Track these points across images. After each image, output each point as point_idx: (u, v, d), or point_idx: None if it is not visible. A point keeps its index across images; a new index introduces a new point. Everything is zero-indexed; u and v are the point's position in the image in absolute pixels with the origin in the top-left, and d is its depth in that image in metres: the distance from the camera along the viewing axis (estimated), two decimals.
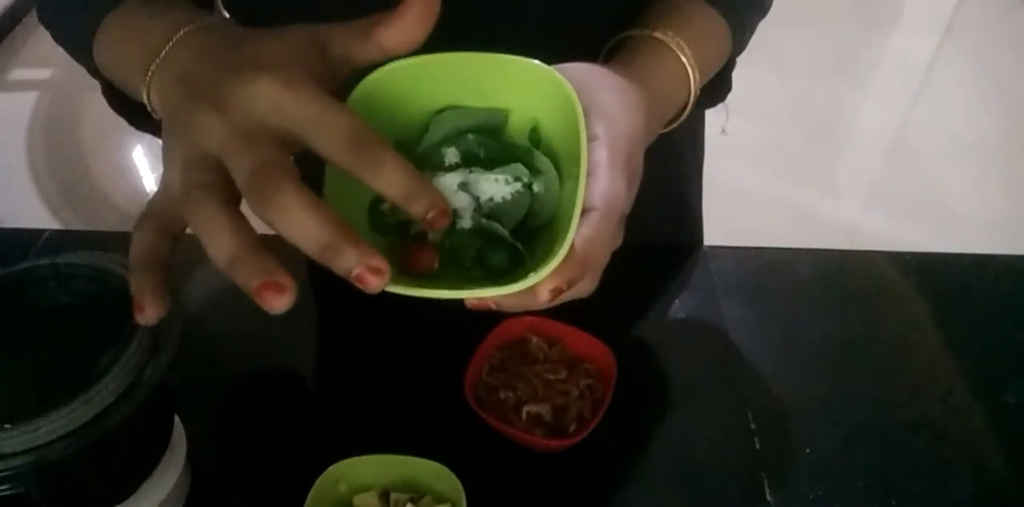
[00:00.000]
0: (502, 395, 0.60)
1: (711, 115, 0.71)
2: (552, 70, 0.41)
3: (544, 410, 0.59)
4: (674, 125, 0.55)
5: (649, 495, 0.58)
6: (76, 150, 2.40)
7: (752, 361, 0.68)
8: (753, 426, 0.62)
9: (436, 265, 0.41)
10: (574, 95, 0.40)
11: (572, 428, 0.59)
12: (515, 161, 0.43)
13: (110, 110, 0.54)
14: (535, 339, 0.64)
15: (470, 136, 0.43)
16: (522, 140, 0.44)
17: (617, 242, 0.42)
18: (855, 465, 0.60)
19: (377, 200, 0.43)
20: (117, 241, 0.81)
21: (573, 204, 0.38)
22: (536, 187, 0.42)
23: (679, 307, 0.73)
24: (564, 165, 0.42)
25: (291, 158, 0.36)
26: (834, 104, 2.58)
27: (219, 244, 0.33)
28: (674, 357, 0.68)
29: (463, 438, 0.59)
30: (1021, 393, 0.65)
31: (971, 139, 2.42)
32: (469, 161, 0.43)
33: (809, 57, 2.73)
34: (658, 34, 0.53)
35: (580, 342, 0.63)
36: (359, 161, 0.35)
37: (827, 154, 2.39)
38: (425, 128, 0.44)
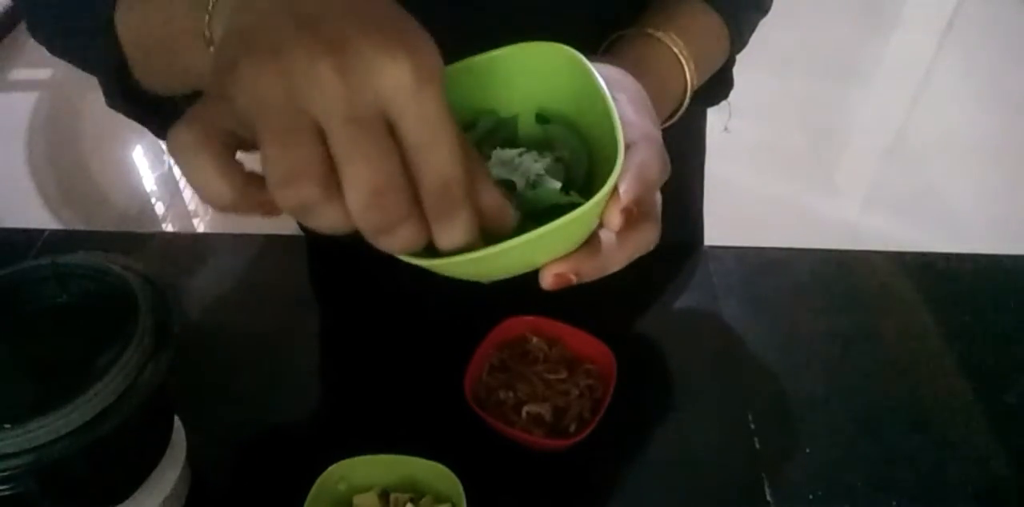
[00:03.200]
0: (502, 395, 0.60)
1: (712, 114, 0.71)
2: (534, 43, 0.40)
3: (544, 410, 0.59)
4: (673, 120, 0.55)
5: (649, 495, 0.58)
6: (76, 150, 2.40)
7: (752, 361, 0.68)
8: (753, 426, 0.62)
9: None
10: (570, 50, 0.39)
11: (572, 428, 0.59)
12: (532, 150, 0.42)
13: (110, 110, 0.51)
14: (535, 339, 0.64)
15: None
16: (531, 128, 0.43)
17: (665, 175, 0.40)
18: (855, 465, 0.60)
19: None
20: (117, 241, 0.81)
21: (608, 144, 0.37)
22: (565, 155, 0.41)
23: (679, 307, 0.73)
24: (588, 124, 0.41)
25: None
26: (834, 104, 2.58)
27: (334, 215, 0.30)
28: (674, 357, 0.68)
29: (463, 438, 0.59)
30: (1021, 393, 0.65)
31: (971, 139, 2.41)
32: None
33: (809, 57, 2.73)
34: (650, 30, 0.53)
35: (580, 342, 0.63)
36: (440, 204, 0.31)
37: (827, 154, 2.39)
38: None
